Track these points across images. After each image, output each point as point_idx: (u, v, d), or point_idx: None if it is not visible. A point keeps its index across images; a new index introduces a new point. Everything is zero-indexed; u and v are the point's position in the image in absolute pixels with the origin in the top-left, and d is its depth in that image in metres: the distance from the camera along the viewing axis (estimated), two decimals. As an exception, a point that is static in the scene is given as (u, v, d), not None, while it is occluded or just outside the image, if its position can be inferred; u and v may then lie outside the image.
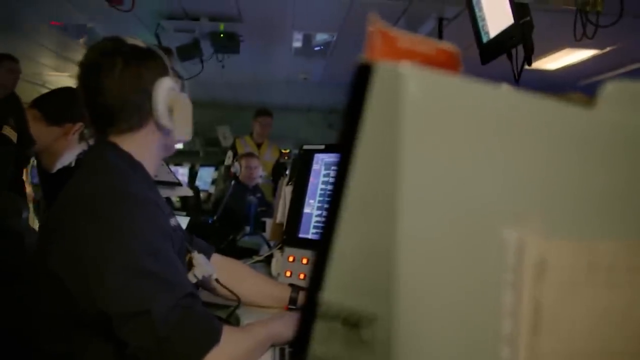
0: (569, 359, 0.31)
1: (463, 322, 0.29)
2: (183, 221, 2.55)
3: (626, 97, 0.34)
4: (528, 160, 0.31)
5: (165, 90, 1.09)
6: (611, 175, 0.33)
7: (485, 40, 2.48)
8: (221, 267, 1.35)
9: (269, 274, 1.75)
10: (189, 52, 4.27)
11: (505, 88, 0.31)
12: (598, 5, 2.38)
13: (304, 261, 1.64)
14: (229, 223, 2.62)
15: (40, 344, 1.01)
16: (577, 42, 2.47)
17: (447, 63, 0.37)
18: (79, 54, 1.17)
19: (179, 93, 1.13)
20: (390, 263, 0.28)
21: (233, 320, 1.32)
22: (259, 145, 5.02)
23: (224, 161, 4.94)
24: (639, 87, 0.34)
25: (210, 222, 2.75)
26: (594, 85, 0.35)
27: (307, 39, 4.67)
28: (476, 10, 2.51)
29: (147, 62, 1.09)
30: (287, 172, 3.01)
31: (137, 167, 1.09)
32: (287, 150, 5.38)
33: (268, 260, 1.93)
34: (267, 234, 2.43)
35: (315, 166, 1.74)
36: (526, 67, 2.23)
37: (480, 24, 2.49)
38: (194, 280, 1.20)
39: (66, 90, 1.97)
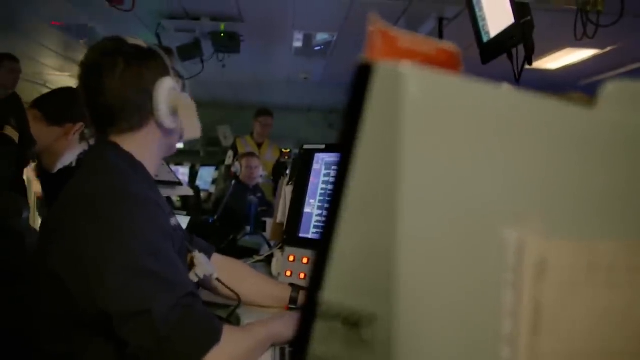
0: (569, 359, 0.31)
1: (463, 322, 0.29)
2: (183, 221, 2.55)
3: (626, 97, 0.34)
4: (528, 160, 0.31)
5: (166, 90, 1.09)
6: (611, 175, 0.33)
7: (485, 40, 2.47)
8: (221, 266, 1.35)
9: (270, 274, 1.75)
10: (190, 51, 4.27)
11: (506, 88, 0.31)
12: (599, 5, 2.38)
13: (305, 261, 1.64)
14: (229, 223, 2.62)
15: (40, 344, 1.01)
16: (578, 42, 2.47)
17: (447, 63, 0.37)
18: (80, 54, 1.17)
19: (179, 93, 1.13)
20: (390, 263, 0.28)
21: (233, 319, 1.32)
22: (259, 145, 5.02)
23: (224, 161, 4.95)
24: (639, 86, 0.34)
25: (210, 221, 2.75)
26: (594, 85, 0.35)
27: (308, 39, 4.67)
28: (476, 10, 2.51)
29: (148, 62, 1.09)
30: (288, 172, 3.02)
31: (137, 167, 1.09)
32: (288, 150, 5.37)
33: (268, 260, 1.93)
34: (268, 233, 2.43)
35: (315, 166, 1.74)
36: (527, 66, 2.23)
37: (481, 24, 2.49)
38: (195, 280, 1.20)
39: (66, 90, 1.97)
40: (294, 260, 1.67)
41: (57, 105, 1.87)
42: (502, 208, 0.30)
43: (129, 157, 1.08)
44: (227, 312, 1.33)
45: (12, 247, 1.51)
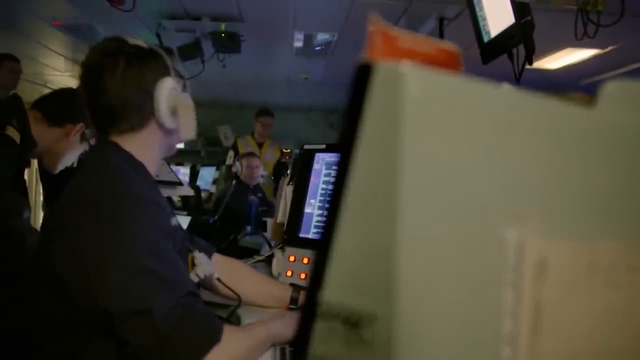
0: (569, 359, 0.31)
1: (463, 322, 0.29)
2: (184, 221, 2.55)
3: (627, 97, 0.34)
4: (528, 160, 0.31)
5: (166, 90, 1.09)
6: (611, 175, 0.33)
7: (486, 39, 2.47)
8: (222, 266, 1.35)
9: (270, 274, 1.75)
10: (190, 52, 4.27)
11: (506, 88, 0.31)
12: (599, 5, 2.38)
13: (305, 261, 1.64)
14: (230, 223, 2.63)
15: (40, 344, 1.01)
16: (578, 42, 2.47)
17: (447, 63, 0.37)
18: (81, 54, 1.18)
19: (180, 93, 1.13)
20: (391, 263, 0.28)
21: (234, 319, 1.32)
22: (260, 145, 5.02)
23: (225, 161, 4.96)
24: (639, 86, 0.34)
25: (211, 221, 2.75)
26: (595, 85, 0.35)
27: (308, 39, 4.67)
28: (477, 9, 2.51)
29: (149, 62, 1.09)
30: (288, 172, 3.02)
31: (138, 166, 1.09)
32: (288, 150, 5.37)
33: (269, 259, 1.93)
34: (268, 233, 2.44)
35: (316, 166, 1.74)
36: (527, 66, 2.23)
37: (481, 24, 2.49)
38: (196, 280, 1.20)
39: (66, 91, 1.98)
40: (294, 260, 1.67)
41: (58, 106, 1.87)
42: (502, 208, 0.30)
43: (129, 157, 1.08)
44: (227, 312, 1.33)
45: (13, 247, 1.51)
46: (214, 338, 0.92)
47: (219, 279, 1.29)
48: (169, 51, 1.15)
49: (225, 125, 7.19)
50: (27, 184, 2.29)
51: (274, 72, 6.01)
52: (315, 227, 1.69)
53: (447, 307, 0.29)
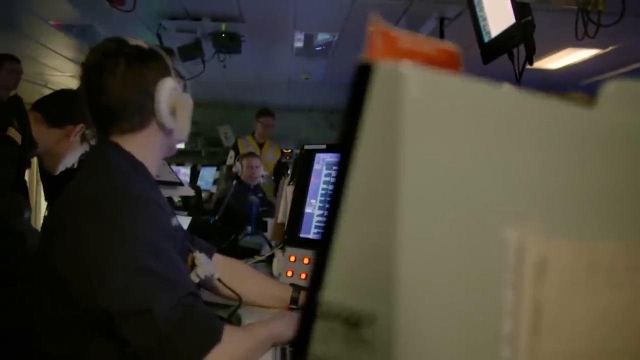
0: (569, 359, 0.31)
1: (463, 322, 0.29)
2: (185, 221, 2.55)
3: (627, 97, 0.34)
4: (528, 159, 0.31)
5: (167, 90, 1.09)
6: (611, 174, 0.33)
7: (486, 39, 2.47)
8: (222, 267, 1.35)
9: (271, 274, 1.75)
10: (191, 52, 4.27)
11: (506, 88, 0.31)
12: (599, 5, 2.38)
13: (305, 261, 1.64)
14: (230, 223, 2.63)
15: (41, 344, 1.01)
16: (579, 42, 2.47)
17: (448, 63, 0.37)
18: (81, 54, 1.18)
19: (180, 93, 1.13)
20: (391, 263, 0.28)
21: (234, 319, 1.32)
22: (260, 145, 5.03)
23: (225, 161, 4.96)
24: (639, 86, 0.34)
25: (211, 221, 2.75)
26: (595, 85, 0.35)
27: (309, 39, 4.67)
28: (477, 9, 2.51)
29: (149, 63, 1.09)
30: (289, 172, 3.02)
31: (138, 167, 1.09)
32: (289, 150, 5.38)
33: (269, 260, 1.93)
34: (269, 233, 2.44)
35: (316, 166, 1.74)
36: (528, 66, 2.23)
37: (482, 24, 2.49)
38: (196, 280, 1.20)
39: (66, 92, 1.98)
40: (294, 261, 1.67)
41: (58, 107, 1.87)
42: (502, 208, 0.30)
43: (130, 158, 1.08)
44: (228, 312, 1.33)
45: (14, 247, 1.51)
46: (215, 338, 0.93)
47: (219, 279, 1.29)
48: (169, 51, 1.16)
49: (226, 126, 7.19)
50: (27, 184, 2.29)
51: (274, 73, 6.01)
52: (316, 227, 1.69)
53: (447, 307, 0.29)
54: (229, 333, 0.95)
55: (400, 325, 0.28)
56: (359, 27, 3.80)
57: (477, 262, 0.30)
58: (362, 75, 0.30)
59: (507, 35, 2.26)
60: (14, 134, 1.93)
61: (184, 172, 6.94)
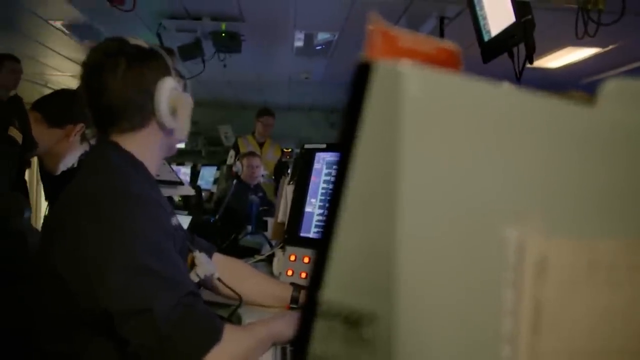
0: (569, 358, 0.31)
1: (463, 321, 0.29)
2: (185, 220, 2.55)
3: (627, 95, 0.34)
4: (528, 158, 0.31)
5: (167, 90, 1.09)
6: (611, 173, 0.33)
7: (486, 38, 2.47)
8: (223, 266, 1.35)
9: (271, 273, 1.75)
10: (191, 51, 4.26)
11: (506, 86, 0.31)
12: (600, 4, 2.38)
13: (306, 260, 1.64)
14: (230, 222, 2.63)
15: (41, 344, 1.01)
16: (579, 41, 2.47)
17: (447, 62, 0.37)
18: (81, 54, 1.18)
19: (181, 93, 1.13)
20: (391, 262, 0.28)
21: (235, 319, 1.32)
22: (261, 145, 5.03)
23: (226, 160, 4.96)
24: (639, 85, 0.34)
25: (212, 221, 2.75)
26: (596, 84, 0.35)
27: (309, 39, 4.66)
28: (477, 8, 2.51)
29: (150, 63, 1.09)
30: (289, 171, 3.02)
31: (138, 166, 1.09)
32: (289, 150, 5.38)
33: (270, 259, 1.93)
34: (269, 233, 2.44)
35: (316, 165, 1.74)
36: (528, 65, 2.23)
37: (482, 23, 2.49)
38: (196, 280, 1.20)
39: (66, 91, 1.98)
40: (295, 260, 1.67)
41: (57, 107, 1.87)
42: (502, 207, 0.30)
43: (130, 157, 1.09)
44: (228, 311, 1.33)
45: (14, 247, 1.51)
46: (215, 338, 0.93)
47: (219, 279, 1.29)
48: (169, 51, 1.16)
49: (226, 125, 7.20)
50: (27, 184, 2.29)
51: (274, 72, 6.01)
52: (316, 226, 1.69)
53: (447, 306, 0.29)
54: (229, 332, 0.95)
55: (400, 325, 0.28)
56: (359, 26, 3.80)
57: (477, 261, 0.30)
58: (362, 74, 0.30)
59: (507, 34, 2.26)
60: (15, 133, 1.93)
61: (184, 172, 6.94)
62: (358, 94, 0.30)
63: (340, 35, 4.44)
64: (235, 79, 6.18)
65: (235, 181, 3.43)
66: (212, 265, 1.26)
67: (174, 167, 4.23)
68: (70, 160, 1.89)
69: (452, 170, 0.29)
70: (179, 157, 7.21)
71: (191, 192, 3.53)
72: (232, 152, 4.86)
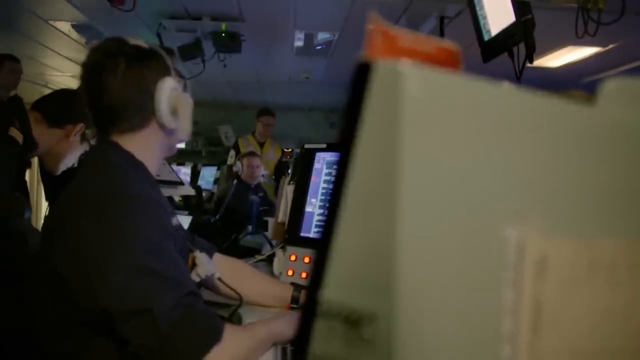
0: (569, 358, 0.31)
1: (463, 321, 0.29)
2: (185, 220, 2.56)
3: (627, 95, 0.34)
4: (528, 158, 0.31)
5: (167, 90, 1.09)
6: (612, 172, 0.33)
7: (486, 38, 2.48)
8: (223, 266, 1.35)
9: (271, 273, 1.75)
10: (191, 51, 4.26)
11: (506, 86, 0.31)
12: (600, 3, 2.38)
13: (306, 260, 1.64)
14: (231, 222, 2.63)
15: (41, 344, 1.01)
16: (579, 40, 2.47)
17: (447, 61, 0.37)
18: (81, 54, 1.18)
19: (181, 93, 1.13)
20: (391, 261, 0.28)
21: (235, 319, 1.32)
22: (261, 145, 5.03)
23: (226, 160, 4.96)
24: (639, 84, 0.34)
25: (212, 221, 2.75)
26: (596, 83, 0.35)
27: (309, 38, 4.66)
28: (477, 8, 2.51)
29: (150, 63, 1.09)
30: (290, 171, 3.01)
31: (138, 166, 1.09)
32: (290, 150, 5.38)
33: (270, 259, 1.93)
34: (269, 233, 2.44)
35: (316, 165, 1.74)
36: (528, 65, 2.23)
37: (482, 22, 2.49)
38: (197, 280, 1.20)
39: (66, 91, 1.98)
40: (295, 260, 1.67)
41: (57, 107, 1.87)
42: (502, 206, 0.30)
43: (130, 157, 1.09)
44: (228, 311, 1.33)
45: (14, 247, 1.51)
46: (215, 338, 0.93)
47: (220, 279, 1.29)
48: (169, 51, 1.16)
49: (226, 125, 7.20)
50: (28, 184, 2.29)
51: (274, 72, 6.01)
52: (316, 226, 1.69)
53: (447, 306, 0.29)
54: (230, 332, 0.95)
55: (400, 324, 0.28)
56: (359, 26, 3.79)
57: (477, 261, 0.30)
58: (362, 74, 0.30)
59: (507, 33, 2.26)
60: (16, 134, 1.92)
61: (185, 172, 6.94)
62: (358, 94, 0.30)
63: (341, 35, 4.44)
64: (235, 79, 6.18)
65: (235, 181, 3.44)
66: (212, 265, 1.26)
67: (175, 167, 4.23)
68: (70, 160, 1.89)
69: (452, 170, 0.29)
70: (179, 157, 7.21)
71: (191, 192, 3.54)
72: (232, 152, 4.86)
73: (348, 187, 0.30)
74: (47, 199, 2.02)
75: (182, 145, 6.28)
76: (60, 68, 5.68)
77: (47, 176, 1.95)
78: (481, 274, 0.30)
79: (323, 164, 1.73)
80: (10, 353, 1.26)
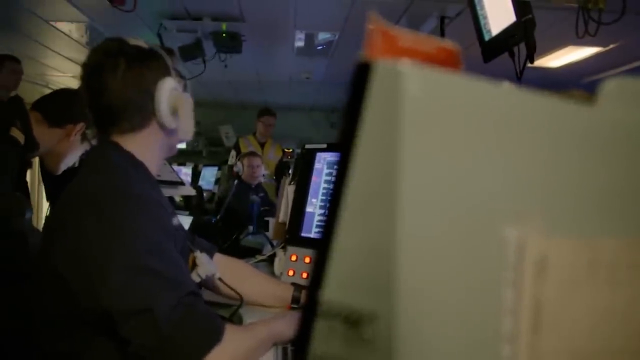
0: (570, 357, 0.31)
1: (464, 321, 0.29)
2: (186, 221, 2.56)
3: (627, 94, 0.34)
4: (528, 158, 0.31)
5: (167, 90, 1.09)
6: (612, 172, 0.33)
7: (487, 38, 2.47)
8: (224, 266, 1.35)
9: (272, 273, 1.75)
10: (192, 52, 4.26)
11: (506, 86, 0.31)
12: (600, 3, 2.38)
13: (307, 260, 1.64)
14: (231, 222, 2.63)
15: (42, 343, 1.01)
16: (580, 40, 2.47)
17: (448, 61, 0.37)
18: (82, 55, 1.18)
19: (181, 93, 1.13)
20: (391, 261, 0.28)
21: (236, 319, 1.32)
22: (262, 145, 5.03)
23: (227, 161, 4.96)
24: (639, 84, 0.34)
25: (213, 221, 2.75)
26: (597, 83, 0.35)
27: (309, 39, 4.67)
28: (478, 8, 2.51)
29: (150, 63, 1.09)
30: (290, 171, 3.01)
31: (139, 166, 1.09)
32: (290, 150, 5.38)
33: (271, 259, 1.93)
34: (270, 233, 2.44)
35: (317, 165, 1.74)
36: (529, 65, 2.23)
37: (482, 22, 2.49)
38: (197, 280, 1.20)
39: (66, 91, 1.98)
40: (296, 260, 1.67)
41: (57, 107, 1.87)
42: (502, 206, 0.30)
43: (130, 157, 1.09)
44: (229, 311, 1.33)
45: (15, 247, 1.51)
46: (215, 338, 0.93)
47: (220, 279, 1.29)
48: (169, 51, 1.16)
49: (227, 125, 7.20)
50: (29, 185, 2.29)
51: (275, 72, 6.01)
52: (317, 226, 1.69)
53: (448, 306, 0.29)
54: (230, 332, 0.95)
55: (400, 324, 0.28)
56: (359, 26, 3.79)
57: (477, 261, 0.30)
58: (362, 74, 0.30)
59: (508, 33, 2.26)
60: (17, 134, 1.93)
61: (186, 172, 6.94)
62: (358, 94, 0.30)
63: (341, 35, 4.44)
64: (236, 79, 6.18)
65: (236, 181, 3.44)
66: (213, 266, 1.26)
67: (175, 167, 4.24)
68: (71, 159, 1.89)
69: (452, 170, 0.29)
70: (180, 158, 7.21)
71: (192, 192, 3.54)
72: (233, 152, 4.86)
73: (348, 187, 0.30)
74: (48, 199, 2.03)
75: (182, 146, 6.29)
76: (61, 68, 5.68)
77: (47, 176, 1.95)
78: (481, 274, 0.30)
79: (324, 164, 1.73)
80: (10, 353, 1.26)
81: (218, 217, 2.72)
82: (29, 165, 2.19)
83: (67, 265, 0.95)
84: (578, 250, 0.31)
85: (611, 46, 4.38)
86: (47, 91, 2.03)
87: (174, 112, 1.11)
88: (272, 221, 2.53)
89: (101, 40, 1.14)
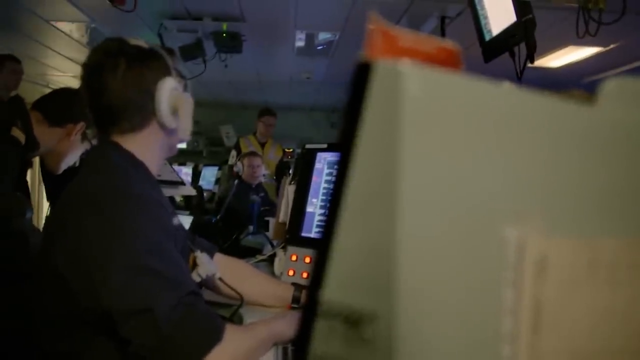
0: (570, 357, 0.31)
1: (464, 321, 0.29)
2: (186, 220, 2.56)
3: (627, 94, 0.34)
4: (528, 158, 0.31)
5: (167, 90, 1.09)
6: (612, 172, 0.33)
7: (487, 38, 2.48)
8: (224, 266, 1.35)
9: (272, 273, 1.75)
10: (192, 52, 4.27)
11: (506, 86, 0.31)
12: (600, 3, 2.38)
13: (307, 260, 1.64)
14: (232, 222, 2.63)
15: (42, 343, 1.01)
16: (580, 40, 2.47)
17: (448, 61, 0.37)
18: (82, 54, 1.18)
19: (181, 93, 1.13)
20: (391, 261, 0.28)
21: (236, 319, 1.32)
22: (262, 145, 5.03)
23: (227, 160, 4.97)
24: (639, 84, 0.34)
25: (213, 221, 2.75)
26: (597, 83, 0.35)
27: (310, 38, 4.67)
28: (478, 8, 2.51)
29: (150, 63, 1.09)
30: (291, 171, 3.02)
31: (138, 166, 1.09)
32: (291, 150, 5.38)
33: (271, 259, 1.93)
34: (270, 233, 2.44)
35: (317, 165, 1.74)
36: (529, 65, 2.23)
37: (483, 22, 2.49)
38: (197, 280, 1.20)
39: (66, 91, 1.98)
40: (296, 260, 1.67)
41: (58, 106, 1.87)
42: (502, 206, 0.30)
43: (130, 157, 1.09)
44: (229, 311, 1.33)
45: (16, 247, 1.51)
46: (216, 338, 0.93)
47: (221, 279, 1.29)
48: (170, 51, 1.16)
49: (227, 125, 7.20)
50: (29, 185, 2.29)
51: (275, 72, 6.01)
52: (317, 226, 1.69)
53: (448, 306, 0.29)
54: (230, 332, 0.95)
55: (401, 324, 0.28)
56: (360, 26, 3.79)
57: (477, 261, 0.30)
58: (362, 74, 0.30)
59: (508, 33, 2.26)
60: (18, 134, 1.93)
61: (186, 172, 6.95)
62: (358, 94, 0.30)
63: (341, 35, 4.44)
64: (236, 79, 6.18)
65: (236, 181, 3.44)
66: (213, 265, 1.26)
67: (176, 167, 4.24)
68: (71, 159, 1.89)
69: (452, 170, 0.29)
70: (181, 158, 7.22)
71: (192, 192, 3.54)
72: (233, 152, 4.86)
73: (348, 187, 0.30)
74: (48, 198, 2.03)
75: (183, 146, 6.29)
76: (62, 68, 5.68)
77: (48, 176, 1.95)
78: (481, 274, 0.30)
79: (324, 164, 1.73)
80: (10, 353, 1.26)
81: (218, 217, 2.72)
82: (30, 165, 2.19)
83: (68, 265, 0.95)
84: (578, 250, 0.31)
85: (611, 46, 4.38)
86: (48, 91, 2.03)
87: (174, 112, 1.11)
88: (272, 221, 2.53)
89: (101, 40, 1.14)
